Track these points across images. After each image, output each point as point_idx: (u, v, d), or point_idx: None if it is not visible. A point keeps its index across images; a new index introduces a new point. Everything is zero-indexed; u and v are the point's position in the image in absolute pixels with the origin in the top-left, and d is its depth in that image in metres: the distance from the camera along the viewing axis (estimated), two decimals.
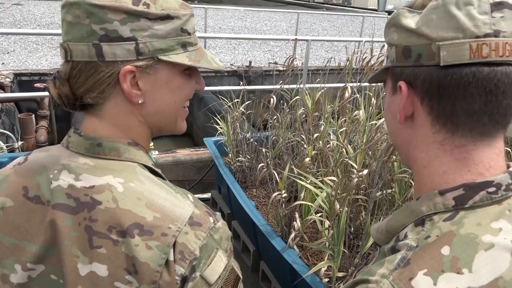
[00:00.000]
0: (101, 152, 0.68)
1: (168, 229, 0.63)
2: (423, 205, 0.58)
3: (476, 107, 0.55)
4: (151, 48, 0.67)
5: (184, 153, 3.83)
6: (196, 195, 3.81)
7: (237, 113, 3.04)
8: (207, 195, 3.74)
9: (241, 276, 0.70)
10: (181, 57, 0.70)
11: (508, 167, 0.60)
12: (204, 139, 3.45)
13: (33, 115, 4.53)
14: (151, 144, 3.73)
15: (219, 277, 0.64)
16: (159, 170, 0.73)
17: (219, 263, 0.65)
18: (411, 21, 0.59)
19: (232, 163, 3.06)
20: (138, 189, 0.66)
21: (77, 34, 0.65)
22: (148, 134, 0.75)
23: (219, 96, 3.34)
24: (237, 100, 3.07)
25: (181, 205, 0.66)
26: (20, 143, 3.87)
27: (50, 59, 7.65)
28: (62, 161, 0.69)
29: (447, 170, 0.59)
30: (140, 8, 0.65)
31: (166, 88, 0.71)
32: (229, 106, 3.07)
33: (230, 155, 3.09)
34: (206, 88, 5.55)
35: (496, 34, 0.53)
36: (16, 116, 4.81)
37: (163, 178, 0.72)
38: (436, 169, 0.60)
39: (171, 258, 0.62)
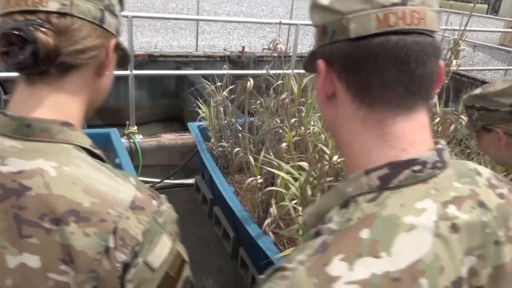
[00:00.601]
0: (31, 134, 0.63)
1: (107, 215, 0.60)
2: (349, 186, 0.55)
3: (389, 77, 0.53)
4: (120, 31, 0.75)
5: (169, 138, 3.78)
6: (180, 181, 3.78)
7: (220, 97, 2.98)
8: (191, 181, 3.71)
9: (187, 259, 0.68)
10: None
11: (437, 144, 0.57)
12: (188, 123, 3.40)
13: None
14: (135, 128, 3.70)
15: (164, 261, 0.63)
16: (98, 152, 0.69)
17: (164, 248, 0.63)
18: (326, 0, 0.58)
19: (214, 148, 3.01)
20: (74, 173, 0.61)
21: None
22: (85, 113, 0.74)
23: (205, 80, 3.27)
24: (220, 84, 3.01)
25: (122, 189, 0.63)
26: None
27: None
28: None
29: (371, 148, 0.56)
30: None
31: (113, 69, 0.76)
32: (212, 90, 3.02)
33: (212, 140, 3.04)
34: (194, 72, 5.46)
35: (403, 3, 0.53)
36: (1, 98, 4.73)
37: (103, 160, 0.68)
38: (360, 147, 0.58)
39: (112, 245, 0.59)
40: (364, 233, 0.49)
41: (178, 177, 3.78)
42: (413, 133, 0.56)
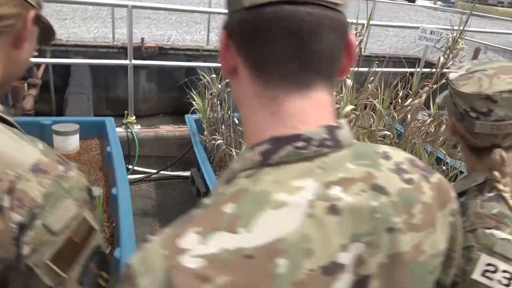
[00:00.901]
0: None
1: (3, 174, 0.59)
2: (238, 162, 0.53)
3: (283, 50, 0.50)
4: (41, 4, 0.73)
5: (167, 129, 3.77)
6: (177, 173, 3.74)
7: (215, 90, 2.96)
8: (187, 173, 3.69)
9: (96, 228, 0.66)
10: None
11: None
12: (185, 115, 3.38)
13: (26, 84, 4.53)
14: (133, 118, 3.70)
15: (66, 226, 0.62)
16: (9, 118, 0.68)
17: (66, 212, 0.63)
18: None
19: (207, 141, 2.99)
20: None
21: None
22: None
23: (202, 72, 3.25)
24: (215, 76, 2.98)
25: (25, 151, 0.63)
26: None
27: None
28: None
29: (265, 126, 0.53)
30: None
31: (33, 43, 0.75)
32: (208, 82, 3.00)
33: (205, 133, 3.02)
34: (193, 64, 5.41)
35: None
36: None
37: (12, 126, 0.67)
38: (255, 125, 0.55)
39: (6, 204, 0.59)
40: (228, 208, 0.46)
41: (175, 169, 3.77)
42: (308, 112, 0.52)
